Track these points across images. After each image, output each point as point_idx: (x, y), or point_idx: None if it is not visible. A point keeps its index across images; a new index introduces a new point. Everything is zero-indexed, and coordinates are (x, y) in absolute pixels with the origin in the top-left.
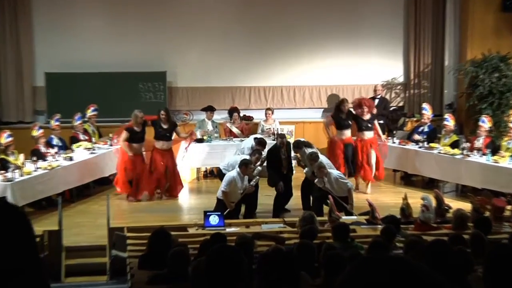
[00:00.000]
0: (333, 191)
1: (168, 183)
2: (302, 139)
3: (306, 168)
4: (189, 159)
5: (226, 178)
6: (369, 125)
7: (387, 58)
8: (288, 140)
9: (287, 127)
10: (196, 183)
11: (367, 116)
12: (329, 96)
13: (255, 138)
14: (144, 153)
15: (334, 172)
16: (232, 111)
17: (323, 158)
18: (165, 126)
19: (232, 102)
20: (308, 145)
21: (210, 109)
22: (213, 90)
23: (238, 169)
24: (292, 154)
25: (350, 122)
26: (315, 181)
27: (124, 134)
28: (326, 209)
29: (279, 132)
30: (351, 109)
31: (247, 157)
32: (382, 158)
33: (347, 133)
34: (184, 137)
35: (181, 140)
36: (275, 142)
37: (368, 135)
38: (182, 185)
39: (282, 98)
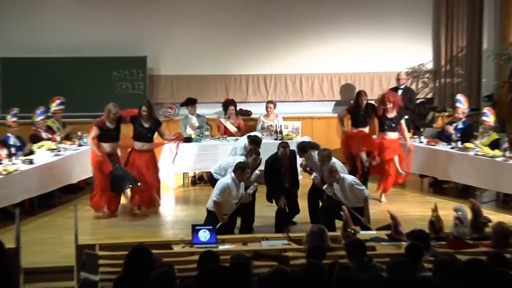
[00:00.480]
0: (345, 200)
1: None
2: (308, 140)
3: (314, 173)
4: (177, 161)
5: (218, 185)
6: (393, 124)
7: (413, 40)
8: (295, 139)
9: (292, 124)
10: (183, 191)
11: (392, 114)
12: (343, 87)
13: (248, 136)
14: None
15: (349, 177)
16: (227, 104)
17: (336, 162)
18: (146, 125)
19: (226, 93)
20: (315, 146)
21: (189, 103)
22: (203, 80)
23: (232, 174)
24: (299, 162)
25: (368, 119)
26: (324, 187)
27: (93, 131)
28: (338, 222)
29: (283, 129)
30: (373, 104)
31: (242, 158)
32: (403, 162)
33: (365, 130)
34: (169, 139)
35: (164, 143)
36: (275, 150)
37: (392, 136)
38: (159, 195)
39: (286, 88)
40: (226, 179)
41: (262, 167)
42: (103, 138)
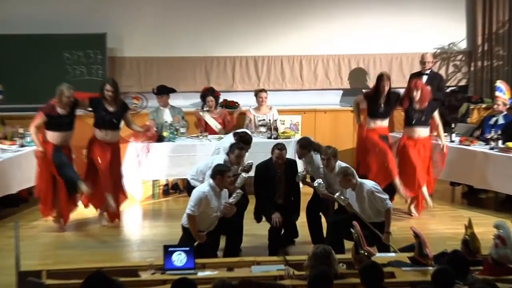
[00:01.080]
0: (362, 213)
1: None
2: (311, 138)
3: (318, 180)
4: (145, 165)
5: (193, 195)
6: (423, 117)
7: (442, 14)
8: (293, 138)
9: (289, 118)
10: (152, 203)
11: (421, 104)
12: (353, 72)
13: (235, 134)
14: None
15: (368, 182)
16: (206, 94)
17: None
18: (111, 108)
19: (206, 80)
20: (318, 148)
21: (163, 91)
22: (178, 63)
23: (210, 181)
24: (299, 166)
25: (390, 110)
26: (336, 195)
27: (38, 119)
28: (347, 242)
29: (278, 126)
30: (397, 92)
31: (223, 158)
32: (433, 166)
33: (382, 123)
34: (137, 131)
35: (133, 136)
36: (268, 152)
37: (421, 132)
38: (126, 195)
39: (283, 74)
40: (203, 187)
41: (252, 173)
42: (52, 126)
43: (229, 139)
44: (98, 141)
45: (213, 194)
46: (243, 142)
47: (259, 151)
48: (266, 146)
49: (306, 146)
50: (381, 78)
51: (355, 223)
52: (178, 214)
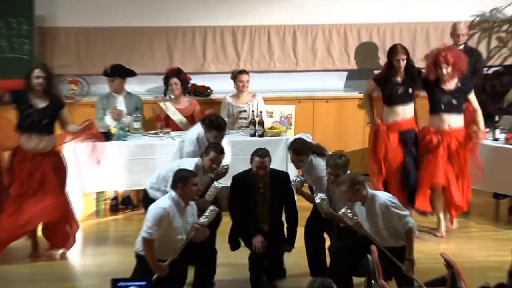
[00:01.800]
0: (375, 235)
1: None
2: (309, 138)
3: (320, 195)
4: (88, 176)
5: (150, 212)
6: (454, 101)
7: None
8: (284, 136)
9: (280, 109)
10: (96, 223)
11: (451, 84)
12: (363, 47)
13: (203, 120)
14: None
15: (382, 195)
16: (170, 76)
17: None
18: (41, 104)
19: (168, 59)
20: (318, 151)
21: (118, 73)
22: (131, 35)
23: (172, 193)
24: (293, 175)
25: (411, 91)
26: (341, 212)
27: None
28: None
29: (264, 119)
30: (417, 68)
31: (193, 162)
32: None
33: (404, 111)
34: (75, 132)
35: (71, 138)
36: (249, 165)
37: (453, 121)
38: (78, 225)
39: (270, 50)
40: (163, 201)
41: (229, 181)
42: None
43: (196, 129)
44: (23, 151)
45: (176, 210)
46: (213, 125)
47: (239, 153)
48: (248, 147)
49: (302, 151)
50: (393, 50)
51: (373, 248)
52: (131, 238)
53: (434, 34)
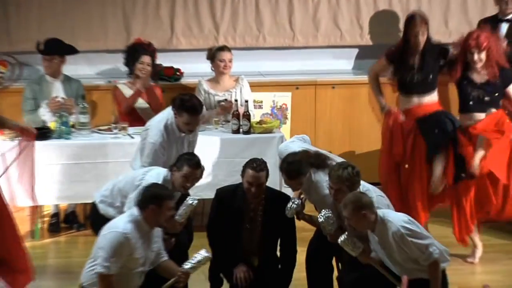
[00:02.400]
0: (395, 265)
1: None
2: (306, 141)
3: (324, 211)
4: (19, 187)
5: (106, 238)
6: (487, 97)
7: None
8: (277, 133)
9: (271, 98)
10: (31, 247)
11: (484, 75)
12: (379, 16)
13: (173, 100)
14: None
15: (395, 218)
16: (143, 51)
17: (367, 187)
18: None
19: (124, 31)
20: (319, 163)
21: (55, 49)
22: (76, 1)
23: (135, 212)
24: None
25: (433, 75)
26: (340, 241)
27: None
28: None
29: (251, 110)
30: (443, 45)
31: (161, 174)
32: None
33: (423, 98)
34: (12, 127)
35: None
36: (238, 181)
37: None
38: (30, 277)
39: (259, 20)
40: (121, 223)
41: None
42: None
43: (166, 113)
44: None
45: (139, 235)
46: (184, 109)
47: (219, 156)
48: (230, 147)
49: (298, 173)
50: (410, 21)
51: (404, 279)
52: (76, 267)
53: (471, 1)
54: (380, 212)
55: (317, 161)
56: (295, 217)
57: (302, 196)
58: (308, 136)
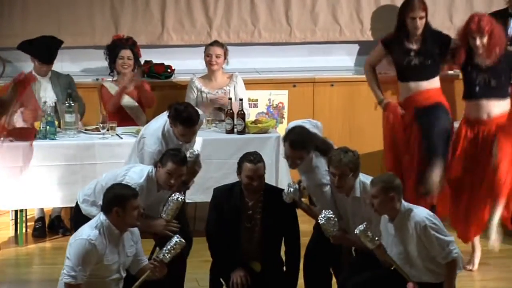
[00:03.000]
0: (406, 265)
1: None
2: (318, 127)
3: (325, 213)
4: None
5: (72, 246)
6: (493, 82)
7: None
8: (273, 133)
9: (267, 96)
10: (15, 253)
11: (488, 59)
12: (377, 10)
13: (169, 108)
14: None
15: (419, 210)
16: (121, 46)
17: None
18: None
19: (112, 26)
20: (324, 149)
21: (50, 57)
22: None
23: (102, 217)
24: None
25: (434, 58)
26: (358, 231)
27: None
28: None
29: (246, 109)
30: (444, 33)
31: (145, 171)
32: None
33: (422, 85)
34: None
35: None
36: (235, 179)
37: (494, 109)
38: None
39: (254, 14)
40: (87, 230)
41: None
42: None
43: (162, 119)
44: None
45: (107, 241)
46: (178, 121)
47: (212, 157)
48: (224, 148)
49: (303, 145)
50: (408, 4)
51: (410, 285)
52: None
53: None
54: (405, 203)
55: (323, 146)
56: (293, 202)
57: (301, 184)
58: (321, 123)
